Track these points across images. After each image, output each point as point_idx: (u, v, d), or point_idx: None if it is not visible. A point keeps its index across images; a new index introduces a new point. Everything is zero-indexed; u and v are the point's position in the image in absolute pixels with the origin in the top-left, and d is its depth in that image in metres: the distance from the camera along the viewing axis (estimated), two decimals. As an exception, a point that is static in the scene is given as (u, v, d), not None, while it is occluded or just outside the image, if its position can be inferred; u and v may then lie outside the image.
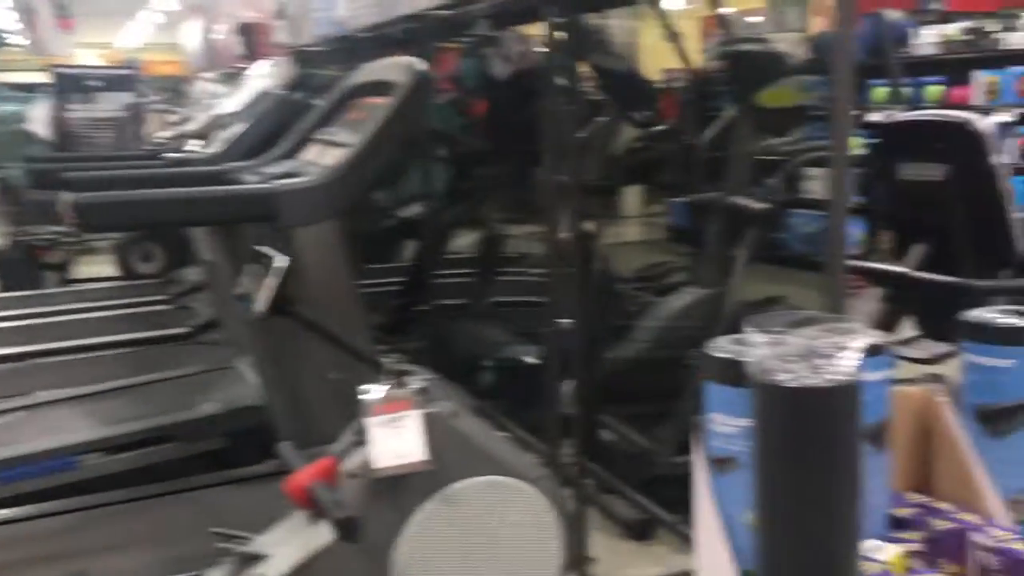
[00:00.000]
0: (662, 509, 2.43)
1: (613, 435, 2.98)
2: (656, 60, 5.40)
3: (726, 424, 1.28)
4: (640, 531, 2.66)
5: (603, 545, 2.61)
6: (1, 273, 5.57)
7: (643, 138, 4.02)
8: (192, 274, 5.21)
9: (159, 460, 2.89)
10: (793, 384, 1.07)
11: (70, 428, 3.03)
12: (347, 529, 1.59)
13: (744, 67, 3.10)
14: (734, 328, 1.24)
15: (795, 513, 1.11)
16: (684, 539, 2.21)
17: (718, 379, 1.29)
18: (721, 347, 1.31)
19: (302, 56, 4.30)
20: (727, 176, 3.14)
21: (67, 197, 1.98)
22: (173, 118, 9.81)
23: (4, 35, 16.26)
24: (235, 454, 2.93)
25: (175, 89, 12.54)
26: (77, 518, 2.63)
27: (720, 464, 1.31)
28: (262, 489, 2.70)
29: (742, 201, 2.98)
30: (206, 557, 2.13)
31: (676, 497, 2.36)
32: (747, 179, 3.10)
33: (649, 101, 4.24)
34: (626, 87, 3.69)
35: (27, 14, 10.34)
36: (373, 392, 1.69)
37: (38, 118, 7.37)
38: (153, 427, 2.97)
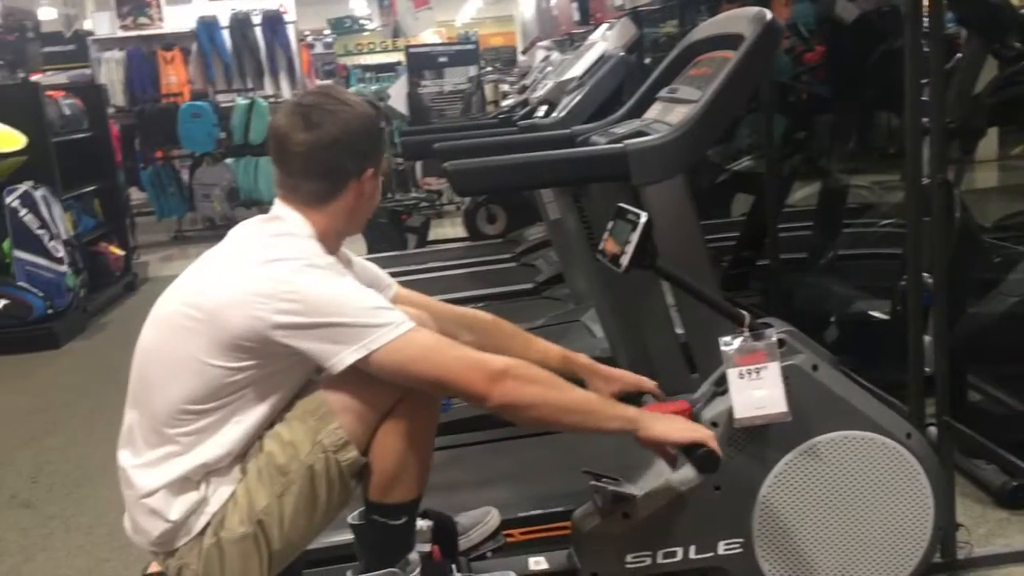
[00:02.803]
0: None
1: (980, 395, 2.77)
2: (1020, -18, 4.82)
3: None
4: (1014, 499, 2.46)
5: (970, 512, 2.45)
6: (370, 236, 6.24)
7: (1011, 73, 3.64)
8: (532, 234, 5.53)
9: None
10: None
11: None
12: (706, 464, 1.66)
13: None
14: None
15: None
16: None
17: None
18: None
19: (639, 17, 4.36)
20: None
21: (445, 165, 2.21)
22: (505, 87, 10.37)
23: (362, 22, 18.07)
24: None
25: (507, 59, 13.23)
26: (449, 454, 2.91)
27: None
28: (613, 436, 2.83)
29: None
30: (568, 495, 2.29)
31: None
32: None
33: (1017, 30, 3.82)
34: (990, 16, 3.35)
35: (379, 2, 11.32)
36: (733, 343, 1.73)
37: (396, 95, 8.15)
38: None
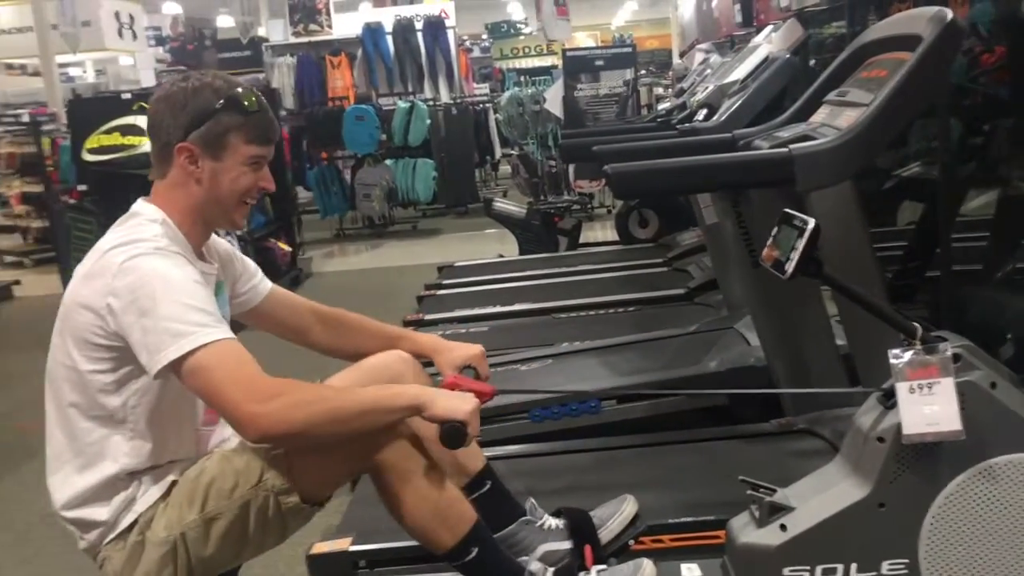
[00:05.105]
0: None
1: None
2: None
3: None
4: None
5: None
6: (522, 237, 6.33)
7: None
8: (685, 239, 5.46)
9: (669, 411, 3.10)
10: None
11: (591, 376, 3.38)
12: (448, 438, 1.66)
13: None
14: None
15: None
16: None
17: None
18: None
19: (806, 18, 4.24)
20: None
21: (606, 168, 2.22)
22: (660, 91, 10.27)
23: (518, 26, 18.34)
24: (738, 410, 3.03)
25: (662, 63, 13.12)
26: (598, 457, 2.91)
27: None
28: (766, 446, 2.77)
29: None
30: (719, 504, 2.26)
31: None
32: None
33: None
34: None
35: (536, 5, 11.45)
36: (904, 356, 1.66)
37: (552, 98, 8.23)
38: (663, 380, 3.20)
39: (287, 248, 7.27)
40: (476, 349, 2.01)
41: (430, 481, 1.73)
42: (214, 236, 1.90)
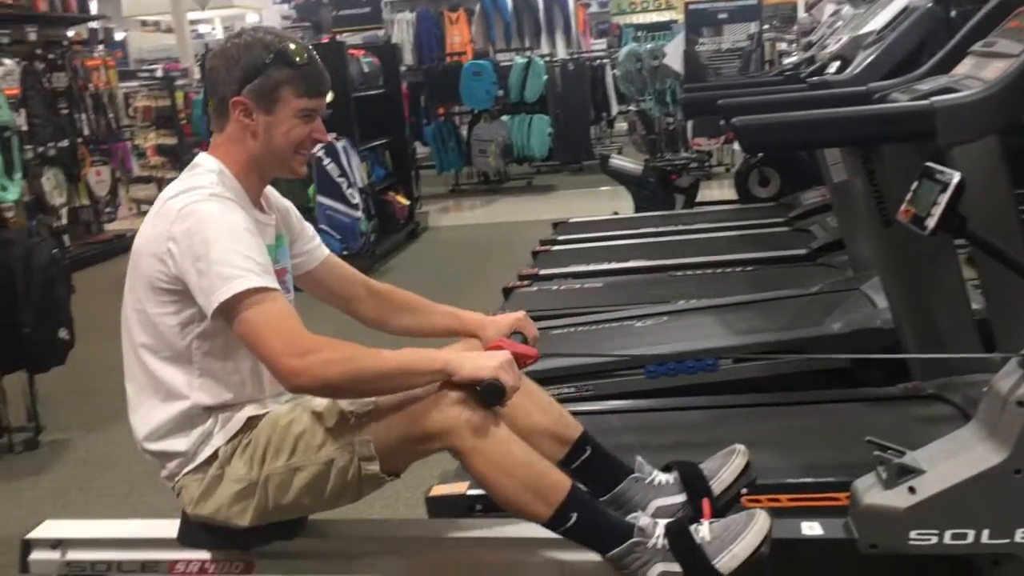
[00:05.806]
0: None
1: None
2: None
3: None
4: None
5: None
6: (638, 195, 6.27)
7: None
8: (808, 198, 5.30)
9: (789, 371, 3.04)
10: None
11: (709, 334, 3.34)
12: (486, 396, 1.66)
13: None
14: None
15: None
16: None
17: None
18: None
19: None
20: None
21: (734, 121, 2.17)
22: (783, 45, 9.92)
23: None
24: (861, 373, 2.95)
25: (786, 16, 12.66)
26: (713, 414, 2.88)
27: None
28: (891, 410, 2.69)
29: None
30: (839, 466, 2.22)
31: None
32: None
33: None
34: None
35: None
36: (1050, 319, 1.59)
37: (672, 52, 8.07)
38: (783, 340, 3.14)
39: (405, 201, 7.41)
40: (518, 314, 2.04)
41: (514, 458, 1.73)
42: (274, 191, 1.98)
